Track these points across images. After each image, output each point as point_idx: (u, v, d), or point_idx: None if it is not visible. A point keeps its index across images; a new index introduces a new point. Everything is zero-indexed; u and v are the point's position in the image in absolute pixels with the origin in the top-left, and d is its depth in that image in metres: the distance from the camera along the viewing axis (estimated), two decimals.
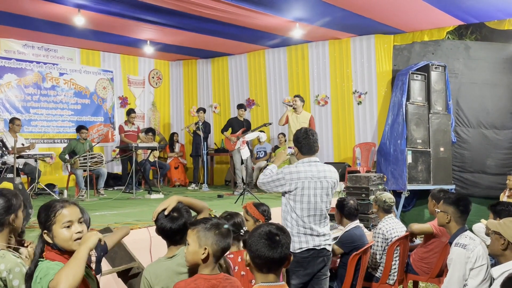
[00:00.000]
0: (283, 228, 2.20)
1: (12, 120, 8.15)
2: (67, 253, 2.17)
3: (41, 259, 2.15)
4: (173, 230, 2.53)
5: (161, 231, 2.57)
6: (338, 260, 4.45)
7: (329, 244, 3.76)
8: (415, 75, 8.01)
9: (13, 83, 9.12)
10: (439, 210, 3.59)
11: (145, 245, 4.60)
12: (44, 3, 6.85)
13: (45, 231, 2.18)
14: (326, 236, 3.74)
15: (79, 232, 2.20)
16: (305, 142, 3.71)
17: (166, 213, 2.54)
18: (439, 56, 8.36)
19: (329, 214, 3.86)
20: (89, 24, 7.89)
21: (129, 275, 4.13)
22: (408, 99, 7.90)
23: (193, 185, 9.82)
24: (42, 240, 2.21)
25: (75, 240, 2.18)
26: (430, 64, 8.06)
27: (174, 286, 2.28)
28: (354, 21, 7.98)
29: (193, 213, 2.77)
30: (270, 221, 2.60)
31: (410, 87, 7.93)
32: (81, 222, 2.24)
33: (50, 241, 2.17)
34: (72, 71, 9.98)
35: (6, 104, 9.02)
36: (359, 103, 9.27)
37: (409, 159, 7.75)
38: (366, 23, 8.13)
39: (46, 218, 2.18)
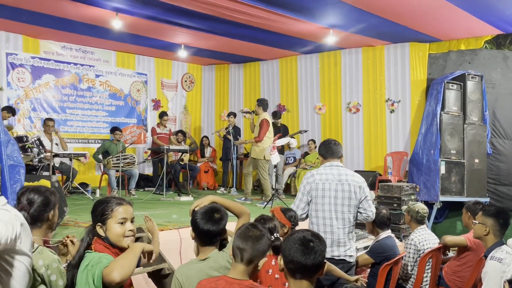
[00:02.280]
0: (319, 236, 2.17)
1: (45, 122, 8.32)
2: (115, 248, 2.29)
3: (89, 251, 2.24)
4: (215, 231, 2.53)
5: (201, 232, 2.54)
6: (368, 270, 4.40)
7: (350, 255, 3.71)
8: (450, 84, 7.87)
9: (51, 84, 9.37)
10: (476, 222, 3.51)
11: (175, 246, 4.65)
12: (84, 6, 7.03)
13: (100, 224, 2.32)
14: (347, 245, 3.69)
15: (130, 230, 2.33)
16: (325, 147, 3.87)
17: (197, 209, 2.57)
18: (475, 65, 8.19)
19: (359, 223, 3.83)
20: (126, 28, 8.05)
21: (160, 275, 4.17)
22: (442, 108, 7.76)
23: (222, 189, 9.88)
24: (92, 233, 2.33)
25: (125, 236, 2.31)
26: (466, 73, 7.90)
27: (198, 283, 2.33)
28: (389, 28, 7.90)
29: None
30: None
31: (445, 97, 7.78)
32: (133, 222, 2.38)
33: (102, 234, 2.30)
34: (107, 73, 10.19)
35: (44, 104, 9.27)
36: (392, 111, 9.15)
37: (442, 170, 7.60)
38: (401, 31, 8.04)
39: (102, 212, 2.32)
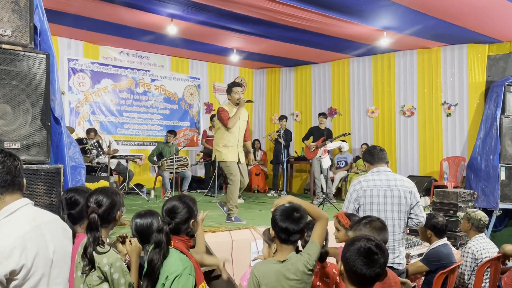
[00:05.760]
0: (382, 247, 2.14)
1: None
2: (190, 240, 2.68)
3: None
4: (293, 230, 2.55)
5: (279, 229, 2.56)
6: (423, 278, 4.29)
7: (399, 263, 3.61)
8: (511, 87, 7.54)
9: (109, 88, 9.74)
10: None
11: (227, 248, 4.71)
12: (140, 13, 7.26)
13: (193, 220, 2.63)
14: (396, 253, 3.59)
15: None
16: (370, 153, 3.83)
17: (277, 206, 2.66)
18: None
19: (413, 230, 3.74)
20: (180, 33, 8.24)
21: (211, 276, 4.24)
22: (503, 112, 7.48)
23: (272, 192, 9.90)
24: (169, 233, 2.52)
25: None
26: None
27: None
28: (446, 30, 7.67)
29: None
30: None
31: (505, 100, 7.49)
32: None
33: (191, 229, 2.63)
34: (162, 78, 10.48)
35: (102, 107, 9.65)
36: (448, 115, 8.87)
37: (502, 176, 7.29)
38: (459, 32, 7.78)
39: (196, 208, 2.65)
